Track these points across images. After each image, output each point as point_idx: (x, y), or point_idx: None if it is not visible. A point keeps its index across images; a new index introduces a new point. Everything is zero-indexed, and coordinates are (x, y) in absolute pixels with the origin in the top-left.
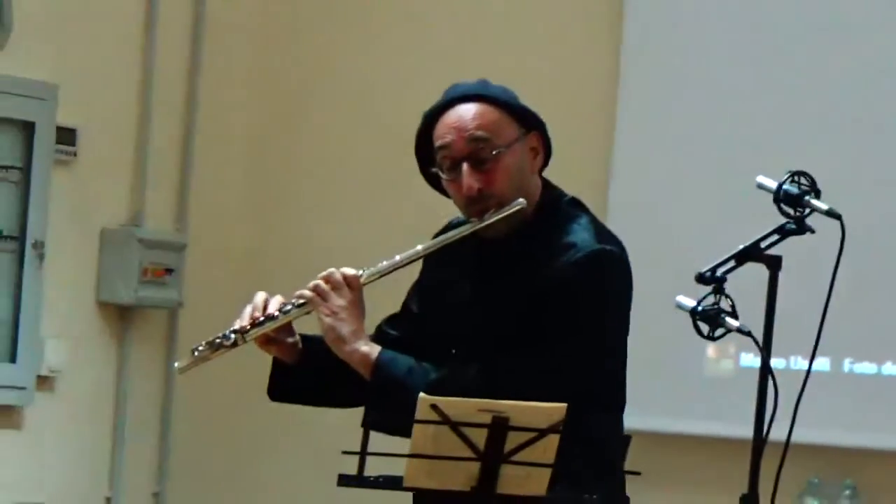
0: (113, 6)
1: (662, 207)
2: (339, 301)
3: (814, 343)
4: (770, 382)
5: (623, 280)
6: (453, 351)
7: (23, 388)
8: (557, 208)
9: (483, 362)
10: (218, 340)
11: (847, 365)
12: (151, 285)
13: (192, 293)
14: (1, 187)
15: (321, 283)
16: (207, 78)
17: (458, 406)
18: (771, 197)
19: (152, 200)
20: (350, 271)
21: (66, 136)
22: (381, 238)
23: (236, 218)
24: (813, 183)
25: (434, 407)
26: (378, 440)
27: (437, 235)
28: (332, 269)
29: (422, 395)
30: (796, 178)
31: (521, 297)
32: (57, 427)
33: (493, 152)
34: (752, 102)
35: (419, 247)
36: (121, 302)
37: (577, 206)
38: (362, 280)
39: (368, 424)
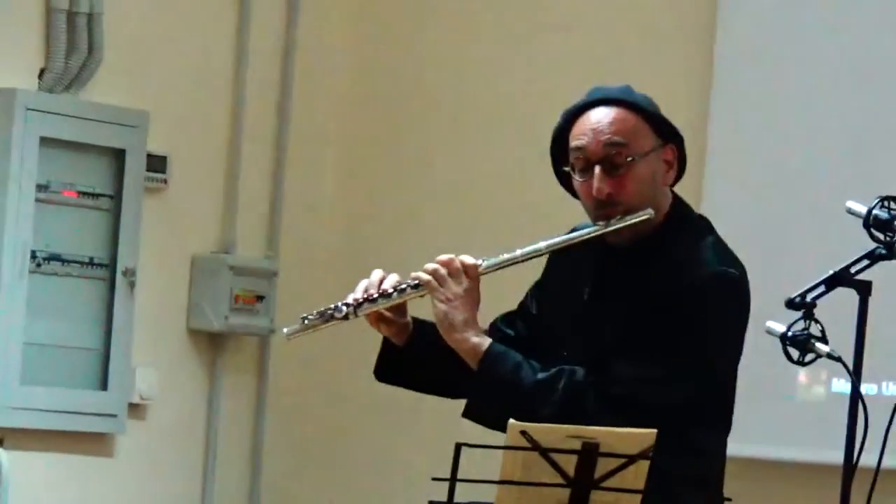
0: (203, 31)
1: (752, 231)
2: (455, 288)
3: None
4: (860, 408)
5: (743, 304)
6: (565, 354)
7: (114, 416)
8: (685, 224)
9: (592, 367)
10: (330, 311)
11: None
12: (242, 312)
13: (283, 320)
14: (92, 215)
15: (440, 267)
16: (298, 103)
17: (548, 432)
18: (861, 222)
19: (243, 227)
20: (469, 260)
21: (157, 163)
22: None
23: (327, 244)
24: None
25: (524, 433)
26: (467, 468)
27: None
28: (451, 256)
29: (511, 421)
30: (886, 202)
31: (639, 308)
32: (148, 455)
33: (628, 159)
34: (845, 124)
35: (541, 243)
36: (211, 329)
37: (704, 224)
38: (480, 270)
39: (470, 415)
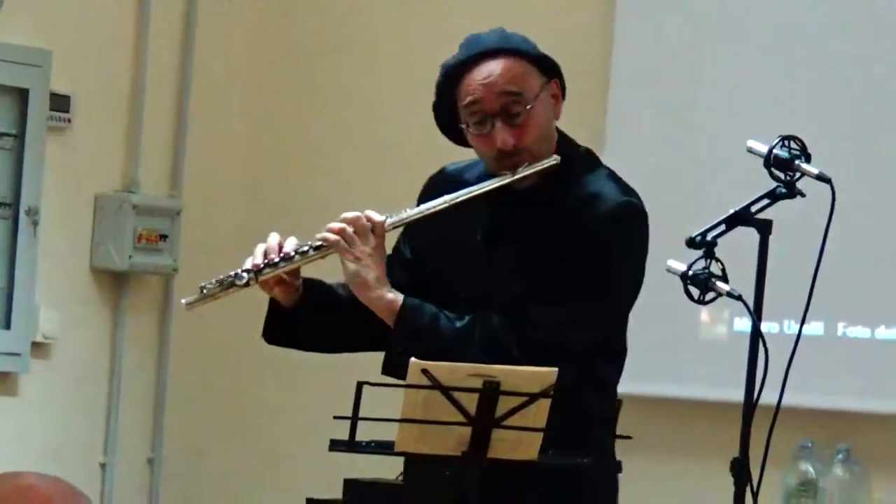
0: None
1: (653, 171)
2: (363, 247)
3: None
4: (760, 346)
5: (646, 232)
6: (462, 296)
7: (17, 355)
8: (575, 158)
9: (504, 310)
10: (230, 279)
11: (840, 329)
12: (146, 251)
13: (186, 259)
14: None
15: (346, 227)
16: (202, 43)
17: (449, 371)
18: (762, 161)
19: (146, 166)
20: (376, 217)
21: (60, 102)
22: (378, 205)
23: (231, 184)
24: (803, 147)
25: (425, 372)
26: (374, 409)
27: (432, 183)
28: (357, 213)
29: (413, 360)
30: (787, 142)
31: (548, 249)
32: (52, 393)
33: (526, 106)
34: (747, 62)
35: (446, 196)
36: (115, 268)
37: (593, 156)
38: (387, 227)
39: (389, 371)
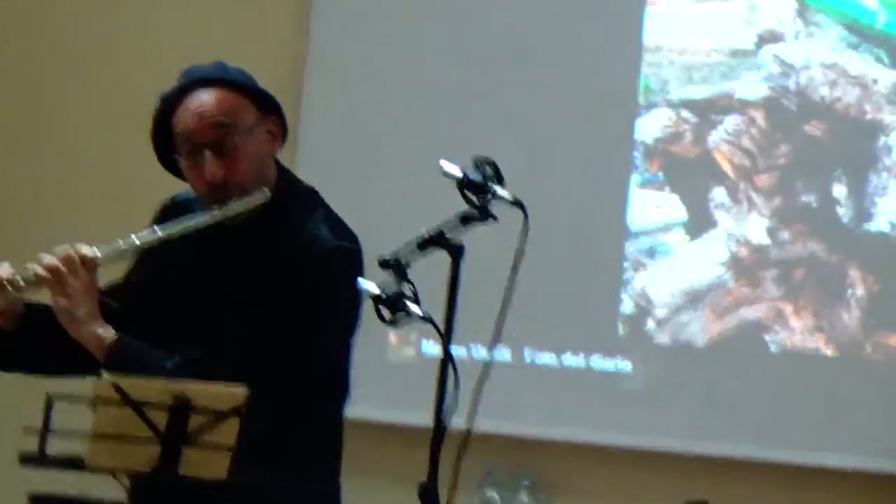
0: None
1: (350, 193)
2: (74, 283)
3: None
4: (451, 371)
5: (358, 273)
6: (184, 336)
7: None
8: (294, 195)
9: (216, 350)
10: None
11: (528, 355)
12: None
13: None
14: None
15: (59, 264)
16: None
17: (141, 387)
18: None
19: None
20: (87, 252)
21: None
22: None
23: None
24: (497, 171)
25: (116, 387)
26: (62, 419)
27: (163, 211)
28: (67, 249)
29: (104, 374)
30: (480, 165)
31: (257, 288)
32: None
33: (236, 138)
34: (443, 82)
35: (159, 231)
36: None
37: (314, 196)
38: (99, 262)
39: None
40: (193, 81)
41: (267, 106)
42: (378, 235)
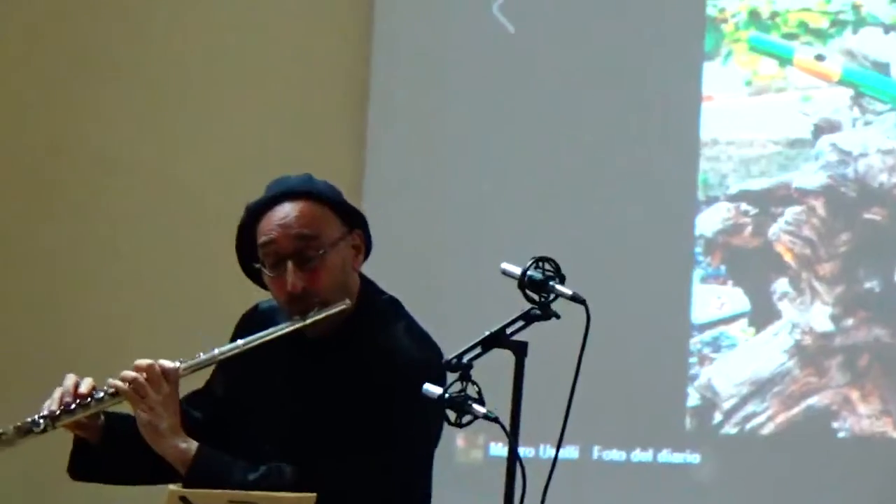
0: None
1: (412, 295)
2: (156, 396)
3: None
4: (518, 469)
5: (441, 383)
6: (266, 447)
7: None
8: (375, 307)
9: (300, 464)
10: (27, 426)
11: (596, 452)
12: None
13: None
14: None
15: (139, 376)
16: None
17: (208, 498)
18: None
19: None
20: (168, 364)
21: None
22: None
23: None
24: (557, 268)
25: (183, 500)
26: None
27: (245, 319)
28: (150, 362)
29: (171, 487)
30: (540, 263)
31: (340, 400)
32: None
33: (319, 251)
34: (501, 184)
35: (239, 342)
36: None
37: (395, 306)
38: (181, 373)
39: None
40: (280, 194)
41: (352, 220)
42: (442, 335)
